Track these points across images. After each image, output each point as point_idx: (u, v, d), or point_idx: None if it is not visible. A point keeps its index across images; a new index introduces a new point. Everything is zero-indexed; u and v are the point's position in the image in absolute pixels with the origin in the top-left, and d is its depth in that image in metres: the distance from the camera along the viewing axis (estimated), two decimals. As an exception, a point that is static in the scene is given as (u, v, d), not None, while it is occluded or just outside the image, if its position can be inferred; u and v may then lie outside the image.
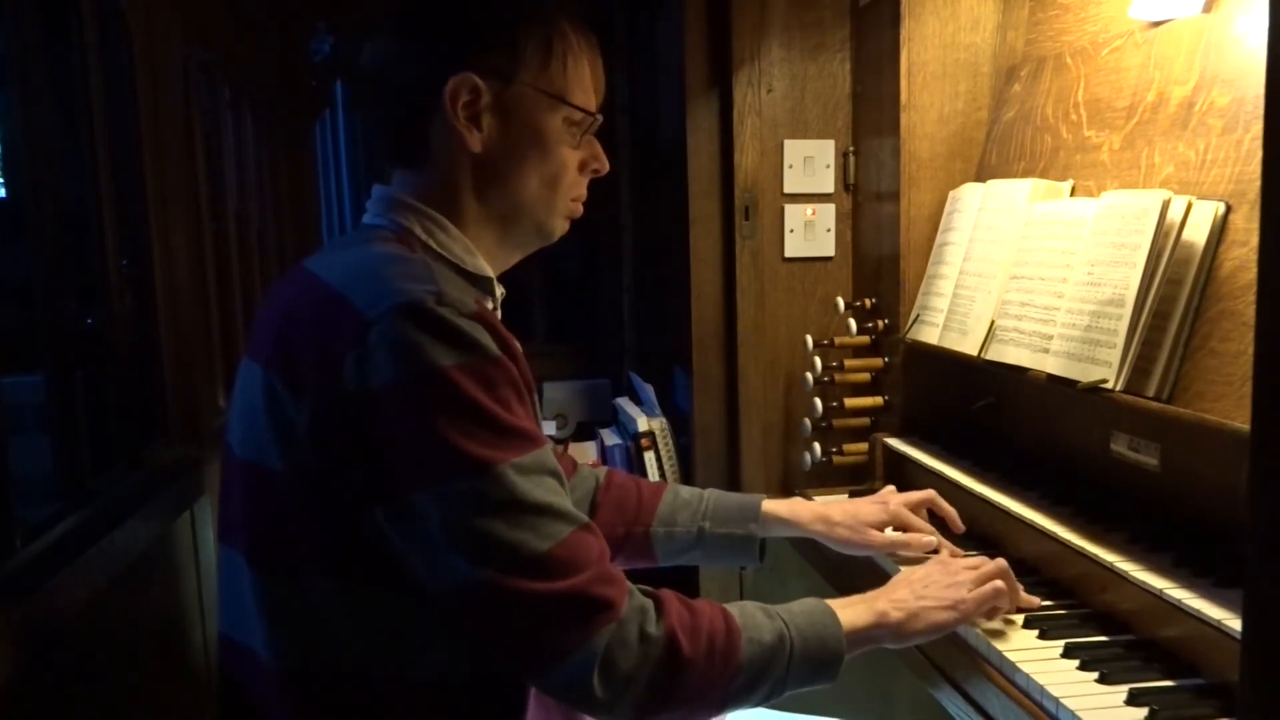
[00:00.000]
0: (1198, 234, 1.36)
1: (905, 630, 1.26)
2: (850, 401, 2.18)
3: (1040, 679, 1.22)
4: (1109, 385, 1.40)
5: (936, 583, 1.32)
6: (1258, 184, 0.76)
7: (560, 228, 1.30)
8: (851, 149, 2.34)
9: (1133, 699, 1.16)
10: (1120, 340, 1.40)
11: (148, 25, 2.15)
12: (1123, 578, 1.32)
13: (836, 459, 2.17)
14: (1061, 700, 1.17)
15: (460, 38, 1.20)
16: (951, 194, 2.00)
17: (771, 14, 2.31)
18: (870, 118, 2.25)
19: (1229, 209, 1.35)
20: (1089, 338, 1.46)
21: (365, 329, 1.04)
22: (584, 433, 3.42)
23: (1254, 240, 1.28)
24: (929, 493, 1.65)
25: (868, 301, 2.21)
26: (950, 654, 1.39)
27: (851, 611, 1.25)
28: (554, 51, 1.22)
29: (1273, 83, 0.66)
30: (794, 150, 2.34)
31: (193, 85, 2.47)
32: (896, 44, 2.02)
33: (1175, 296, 1.37)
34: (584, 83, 1.26)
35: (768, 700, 1.19)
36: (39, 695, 1.39)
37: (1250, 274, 1.28)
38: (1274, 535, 0.67)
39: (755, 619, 1.18)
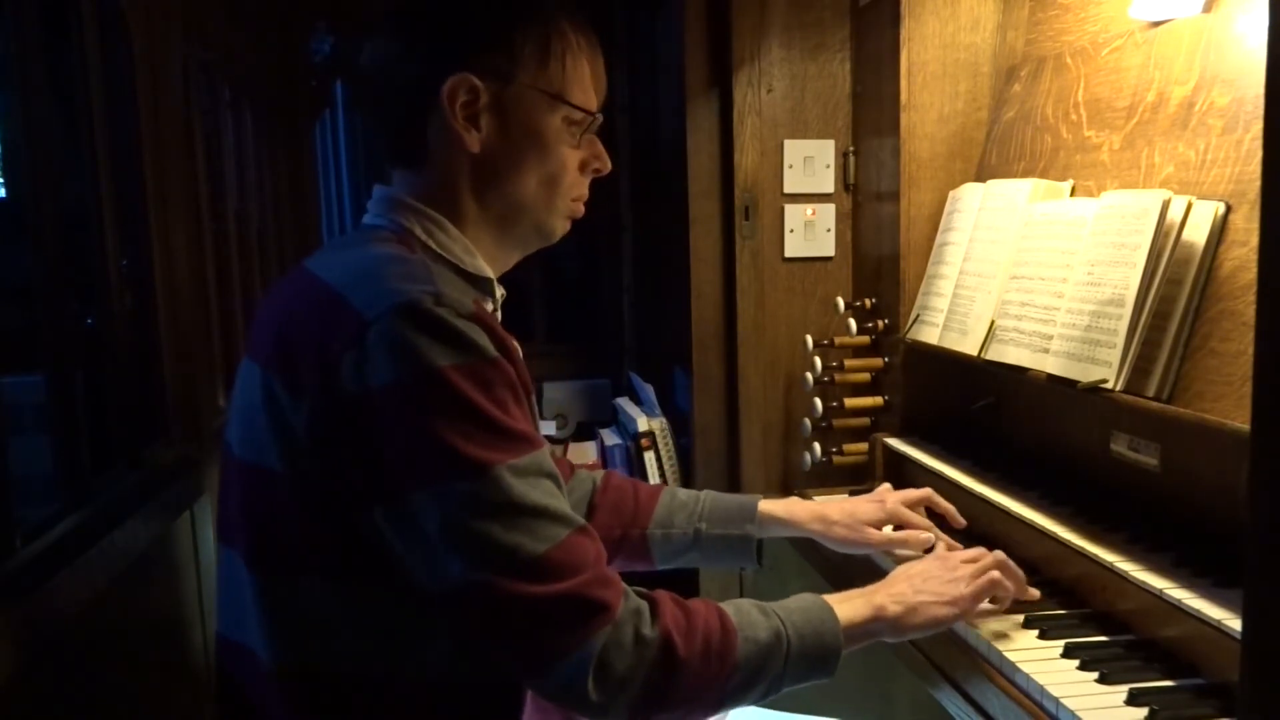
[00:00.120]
0: (1198, 234, 1.36)
1: (903, 624, 1.26)
2: (850, 401, 2.18)
3: (1040, 679, 1.22)
4: (1109, 385, 1.40)
5: (935, 577, 1.32)
6: (1258, 184, 0.76)
7: (561, 228, 1.30)
8: (851, 149, 2.34)
9: (1133, 699, 1.16)
10: (1120, 340, 1.40)
11: (148, 25, 2.15)
12: (1123, 578, 1.32)
13: (836, 459, 2.17)
14: (1061, 700, 1.17)
15: (458, 38, 1.20)
16: (951, 194, 2.00)
17: (771, 14, 2.31)
18: (870, 118, 2.25)
19: (1229, 209, 1.35)
20: (1089, 338, 1.46)
21: (364, 329, 1.04)
22: (584, 433, 3.42)
23: (1254, 240, 1.28)
24: (926, 491, 1.65)
25: (868, 301, 2.21)
26: (950, 654, 1.39)
27: (849, 606, 1.24)
28: (552, 51, 1.22)
29: (1273, 83, 0.66)
30: (794, 150, 2.34)
31: (193, 85, 2.47)
32: (896, 44, 2.02)
33: (1175, 296, 1.37)
34: (584, 82, 1.26)
35: (766, 697, 1.19)
36: (39, 695, 1.39)
37: (1250, 274, 1.28)
38: (1274, 535, 0.67)
39: (751, 617, 1.18)
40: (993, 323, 1.73)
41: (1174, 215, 1.38)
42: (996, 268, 1.76)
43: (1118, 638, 1.32)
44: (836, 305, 2.24)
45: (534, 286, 3.78)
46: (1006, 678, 1.28)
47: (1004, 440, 1.85)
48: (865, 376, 2.19)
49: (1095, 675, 1.22)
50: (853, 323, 2.19)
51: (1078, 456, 1.64)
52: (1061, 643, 1.30)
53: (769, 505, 1.62)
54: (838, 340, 2.21)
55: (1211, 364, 1.31)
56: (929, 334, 1.92)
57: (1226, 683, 1.16)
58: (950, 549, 1.51)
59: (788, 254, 2.37)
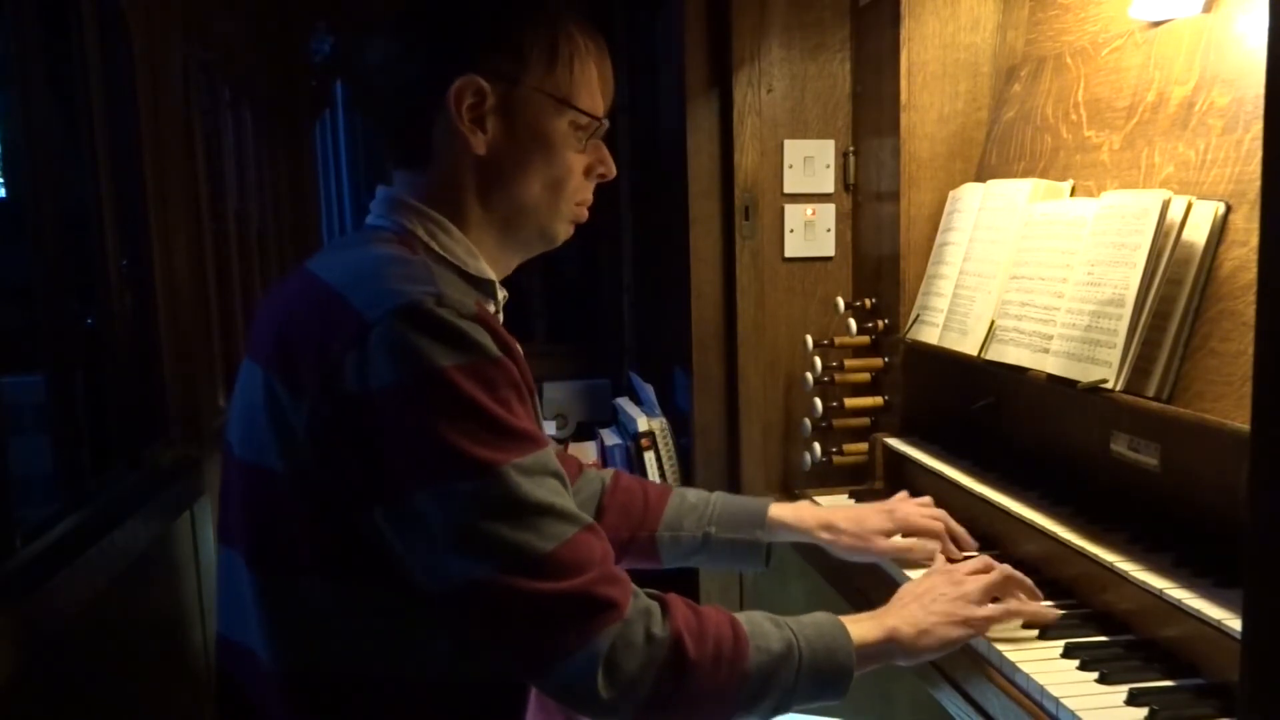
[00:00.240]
0: (1198, 234, 1.36)
1: (917, 647, 1.26)
2: (850, 401, 2.18)
3: (1040, 679, 1.22)
4: (1109, 385, 1.40)
5: (943, 595, 1.31)
6: (1258, 184, 0.76)
7: (564, 232, 1.29)
8: (851, 149, 2.34)
9: (1133, 699, 1.16)
10: (1120, 340, 1.40)
11: (148, 25, 2.15)
12: (1123, 578, 1.32)
13: (836, 459, 2.17)
14: (1061, 700, 1.17)
15: (465, 39, 1.19)
16: (951, 194, 2.00)
17: (771, 14, 2.31)
18: (870, 118, 2.25)
19: (1229, 209, 1.35)
20: (1089, 338, 1.46)
21: (365, 330, 1.04)
22: (584, 433, 3.42)
23: (1254, 240, 1.28)
24: (939, 514, 1.64)
25: (868, 301, 2.21)
26: (950, 654, 1.39)
27: (861, 627, 1.24)
28: (560, 54, 1.21)
29: (1273, 83, 0.66)
30: (794, 150, 2.34)
31: (193, 85, 2.46)
32: (896, 44, 2.02)
33: (1175, 296, 1.37)
34: (591, 86, 1.25)
35: (775, 714, 1.18)
36: (39, 695, 1.39)
37: (1250, 274, 1.28)
38: (1274, 535, 0.67)
39: (763, 627, 1.17)
40: (993, 323, 1.73)
41: (1174, 215, 1.38)
42: (996, 268, 1.76)
43: (1118, 638, 1.32)
44: (836, 305, 2.24)
45: (534, 287, 3.77)
46: (1006, 678, 1.28)
47: (1004, 440, 1.85)
48: (865, 376, 2.19)
49: (1095, 675, 1.22)
50: (853, 323, 2.19)
51: (1078, 456, 1.64)
52: (1061, 643, 1.30)
53: (779, 510, 1.61)
54: (838, 340, 2.21)
55: (1211, 364, 1.31)
56: (929, 334, 1.92)
57: (1226, 683, 1.16)
58: (950, 559, 1.51)
59: (788, 254, 2.37)
